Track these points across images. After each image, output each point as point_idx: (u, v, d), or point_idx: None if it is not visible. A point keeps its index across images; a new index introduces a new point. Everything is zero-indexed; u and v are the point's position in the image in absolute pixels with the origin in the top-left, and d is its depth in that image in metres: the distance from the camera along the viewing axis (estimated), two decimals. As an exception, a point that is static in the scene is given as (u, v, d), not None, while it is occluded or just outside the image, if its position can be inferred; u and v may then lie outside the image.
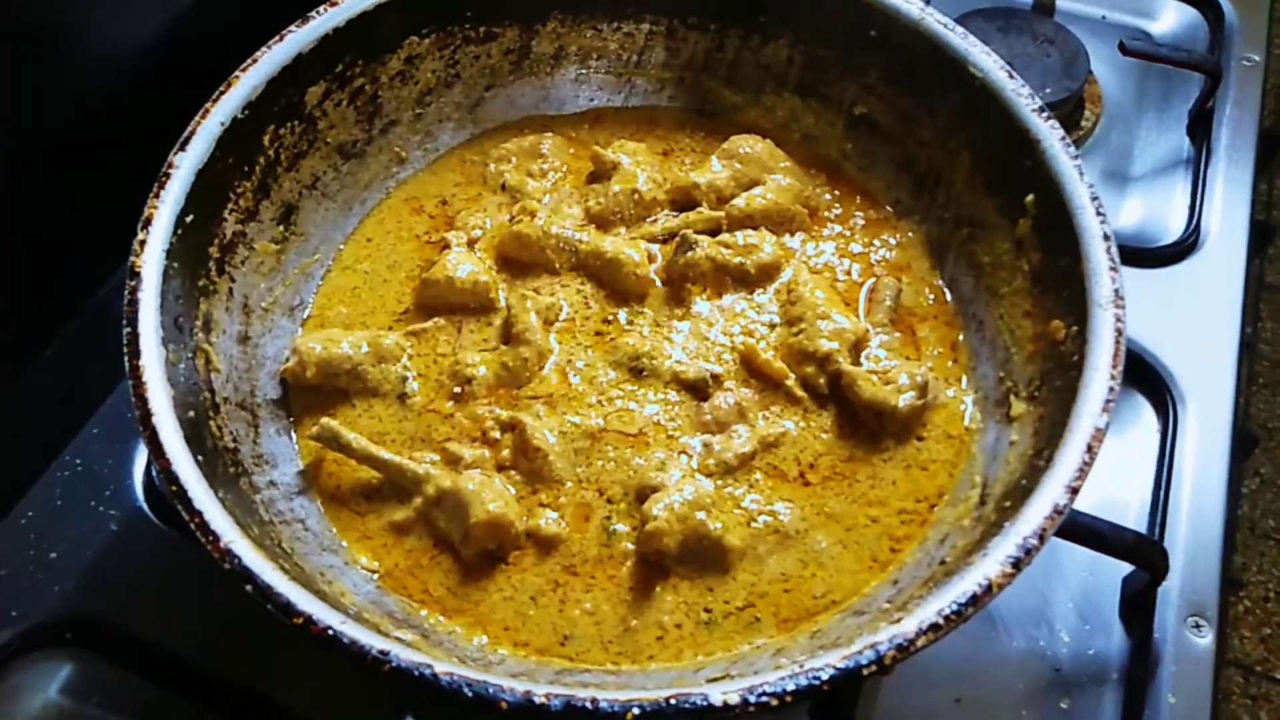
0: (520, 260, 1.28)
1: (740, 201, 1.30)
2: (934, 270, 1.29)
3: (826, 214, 1.35)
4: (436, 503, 1.06)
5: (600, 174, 1.36)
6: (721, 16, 1.40)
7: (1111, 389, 0.94)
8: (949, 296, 1.26)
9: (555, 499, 1.09)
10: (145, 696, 1.12)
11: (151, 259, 1.02)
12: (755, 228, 1.29)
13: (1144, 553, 1.13)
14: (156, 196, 1.06)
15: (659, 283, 1.26)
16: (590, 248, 1.26)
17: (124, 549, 1.22)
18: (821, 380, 1.16)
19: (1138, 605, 1.17)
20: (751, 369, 1.18)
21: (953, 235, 1.28)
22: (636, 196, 1.31)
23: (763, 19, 1.38)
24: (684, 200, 1.33)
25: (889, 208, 1.35)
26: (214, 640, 1.10)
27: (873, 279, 1.27)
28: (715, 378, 1.17)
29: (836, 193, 1.37)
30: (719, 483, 1.09)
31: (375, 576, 1.04)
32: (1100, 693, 1.14)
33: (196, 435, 0.96)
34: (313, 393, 1.16)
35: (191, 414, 0.98)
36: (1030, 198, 1.14)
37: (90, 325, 1.37)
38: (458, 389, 1.16)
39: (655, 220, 1.32)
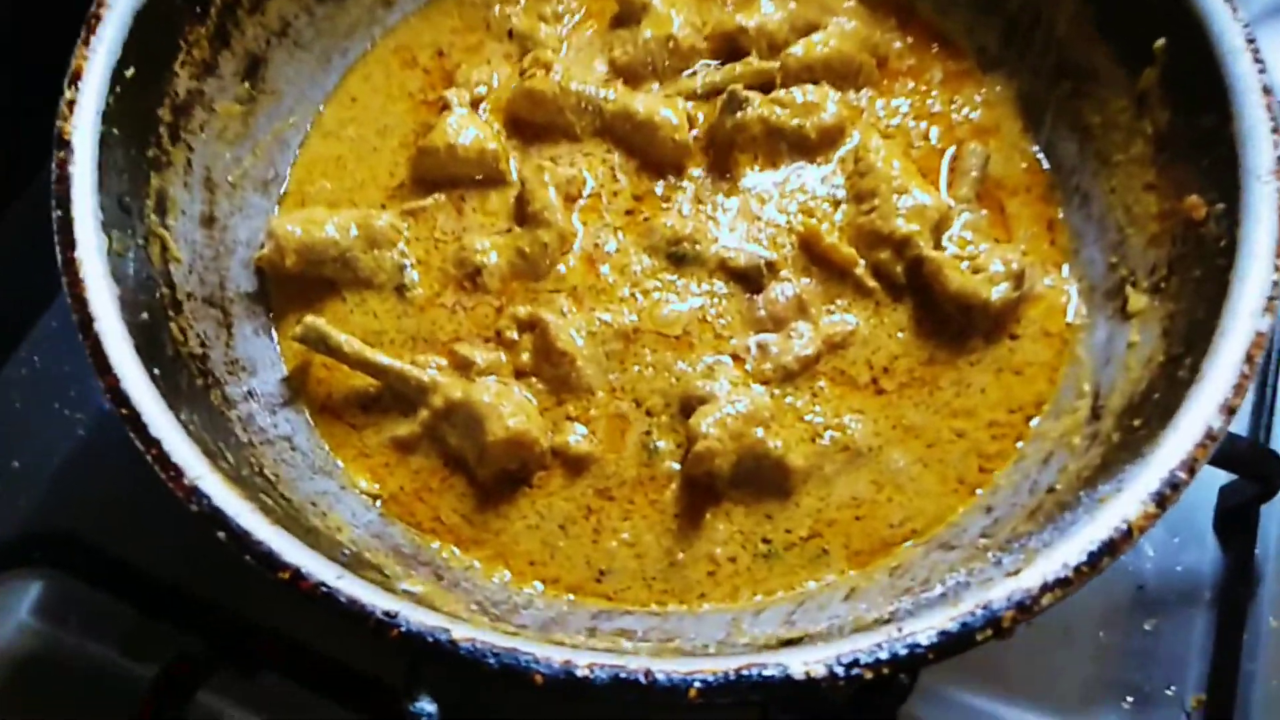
0: (534, 123, 1.07)
1: (797, 50, 1.08)
2: (1027, 133, 1.08)
3: (898, 65, 1.13)
4: (446, 416, 0.90)
5: (627, 16, 1.13)
6: None
7: (1275, 282, 0.76)
8: (1046, 165, 1.06)
9: (585, 411, 0.92)
10: (126, 618, 1.00)
11: (84, 124, 0.83)
12: (815, 82, 1.08)
13: (1255, 461, 0.98)
14: (86, 44, 0.85)
15: (700, 150, 1.05)
16: (618, 107, 1.05)
17: (94, 457, 1.09)
18: (898, 268, 0.97)
19: (1238, 519, 1.03)
20: (813, 254, 0.99)
21: (1051, 90, 1.06)
22: (672, 44, 1.09)
23: None
24: (729, 48, 1.11)
25: (972, 57, 1.13)
26: (196, 559, 0.97)
27: (954, 145, 1.07)
28: (770, 265, 0.98)
29: (909, 39, 1.14)
30: (777, 392, 0.93)
31: (377, 503, 0.89)
32: (1190, 614, 1.01)
33: (152, 342, 0.79)
34: (295, 284, 0.99)
35: (145, 316, 0.81)
36: (1160, 42, 0.93)
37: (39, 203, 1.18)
38: (466, 280, 0.99)
39: (694, 73, 1.11)
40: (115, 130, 0.85)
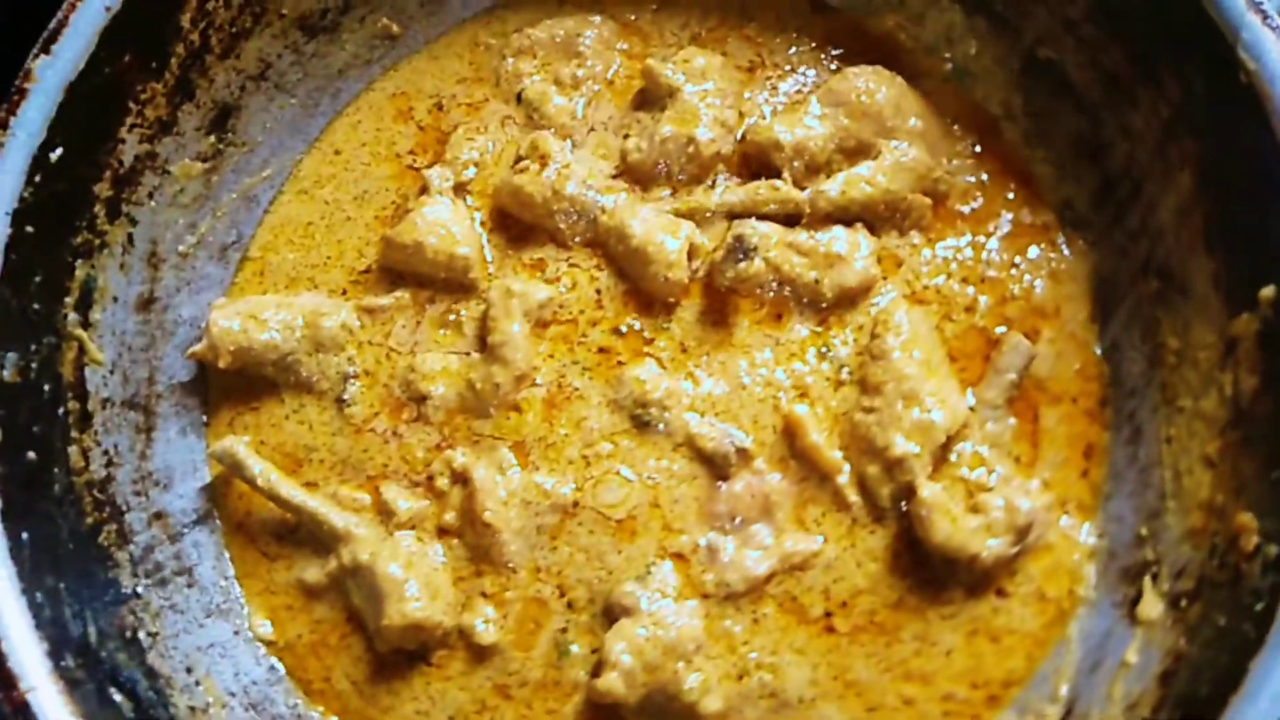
0: (521, 219, 0.94)
1: (832, 188, 0.91)
2: (1092, 325, 0.90)
3: (959, 206, 0.94)
4: (352, 574, 0.84)
5: (652, 99, 0.97)
6: None
7: (1302, 695, 0.61)
8: (1105, 372, 0.89)
9: (502, 590, 0.85)
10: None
11: (-12, 230, 0.75)
12: (849, 223, 0.91)
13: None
14: (4, 126, 0.76)
15: (700, 285, 0.91)
16: (614, 223, 0.91)
17: None
18: (885, 490, 0.84)
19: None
20: (794, 448, 0.87)
21: (1135, 283, 0.88)
22: (692, 148, 0.93)
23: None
24: (759, 161, 0.94)
25: (1054, 211, 0.94)
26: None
27: (1003, 325, 0.90)
28: (743, 452, 0.86)
29: (983, 174, 0.95)
30: (715, 611, 0.83)
31: (268, 655, 0.85)
32: None
33: (32, 488, 0.74)
34: (235, 376, 0.92)
35: (31, 455, 0.75)
36: (1270, 291, 0.74)
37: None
38: (409, 404, 0.90)
39: (713, 185, 0.95)
40: (30, 228, 0.77)
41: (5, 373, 0.74)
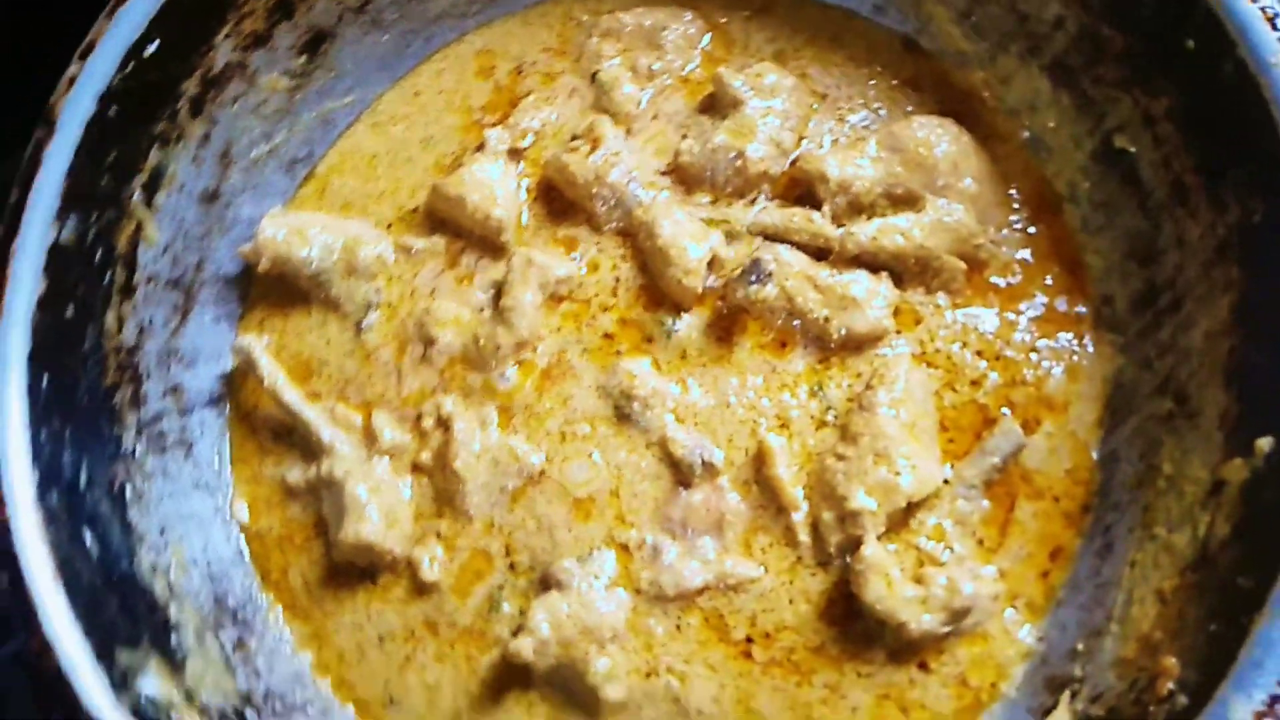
0: (564, 196, 0.98)
1: (864, 233, 0.90)
2: (1097, 429, 0.87)
3: (996, 277, 0.92)
4: (327, 484, 0.90)
5: (718, 105, 0.98)
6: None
7: None
8: (1096, 479, 0.86)
9: (455, 536, 0.90)
10: None
11: (80, 102, 0.83)
12: (876, 271, 0.91)
13: None
14: (109, 16, 0.84)
15: (713, 298, 0.93)
16: (646, 218, 0.93)
17: None
18: (835, 538, 0.84)
19: None
20: (760, 475, 0.88)
21: (1151, 398, 0.85)
22: (740, 162, 0.94)
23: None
24: (804, 188, 0.94)
25: (1093, 304, 0.90)
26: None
27: (1005, 406, 0.88)
28: (709, 466, 0.88)
29: (1029, 251, 0.93)
30: (642, 608, 0.86)
31: (239, 537, 0.92)
32: None
33: (63, 340, 0.83)
34: (278, 280, 0.99)
35: (70, 311, 0.84)
36: (1267, 442, 0.70)
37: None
38: (417, 345, 0.95)
39: (754, 201, 0.96)
40: (116, 108, 0.85)
41: (63, 235, 0.82)
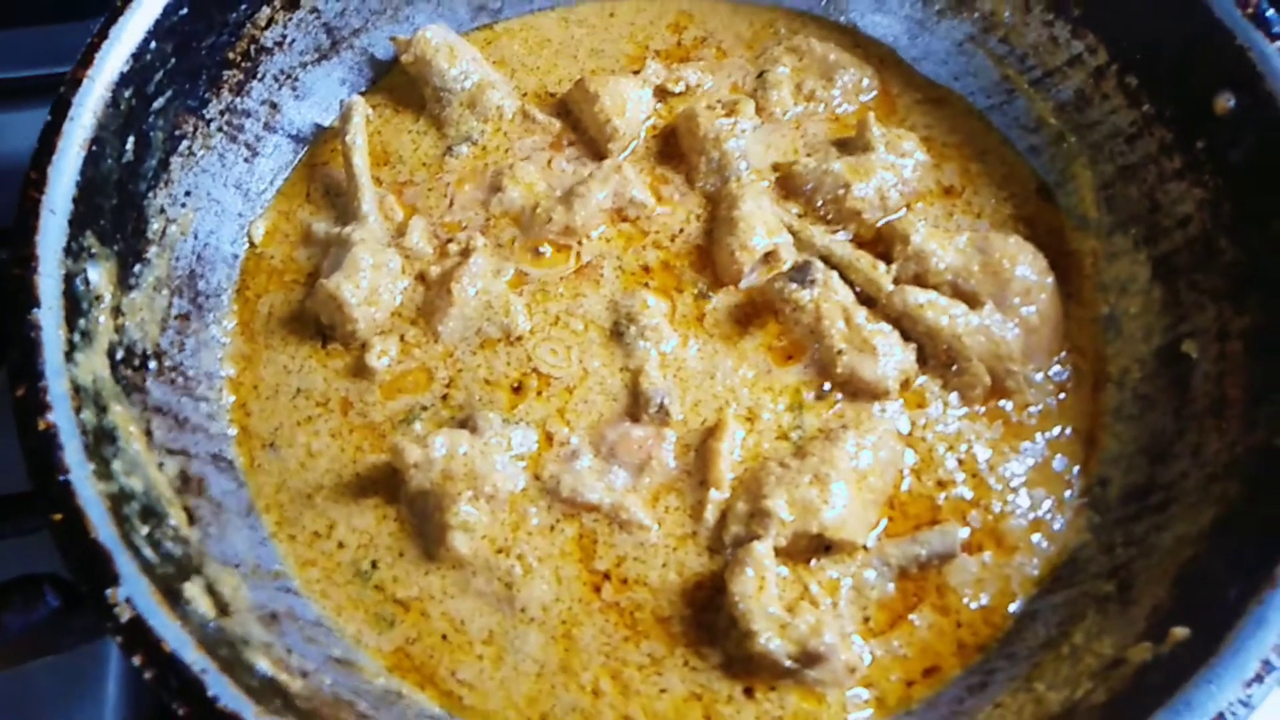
0: (678, 145, 1.02)
1: (916, 298, 0.91)
2: (1033, 587, 0.83)
3: (1012, 410, 0.91)
4: (341, 243, 0.94)
5: (849, 146, 1.02)
6: (1166, 95, 0.93)
7: None
8: (1005, 630, 0.82)
9: (414, 345, 0.92)
10: None
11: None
12: (907, 336, 0.91)
13: None
14: None
15: (745, 291, 0.94)
16: (732, 192, 0.97)
17: None
18: (735, 529, 0.82)
19: None
20: (703, 445, 0.87)
21: (1098, 577, 0.81)
22: (842, 192, 0.97)
23: (1230, 151, 0.87)
24: (884, 246, 0.96)
25: (1087, 478, 0.88)
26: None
27: (958, 524, 0.85)
28: (664, 413, 0.88)
29: (1054, 403, 0.91)
30: (531, 494, 0.85)
31: (245, 244, 0.97)
32: None
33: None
34: (411, 79, 1.05)
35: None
36: (1182, 632, 0.66)
37: None
38: (485, 187, 1.00)
39: (835, 231, 0.98)
40: None
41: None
